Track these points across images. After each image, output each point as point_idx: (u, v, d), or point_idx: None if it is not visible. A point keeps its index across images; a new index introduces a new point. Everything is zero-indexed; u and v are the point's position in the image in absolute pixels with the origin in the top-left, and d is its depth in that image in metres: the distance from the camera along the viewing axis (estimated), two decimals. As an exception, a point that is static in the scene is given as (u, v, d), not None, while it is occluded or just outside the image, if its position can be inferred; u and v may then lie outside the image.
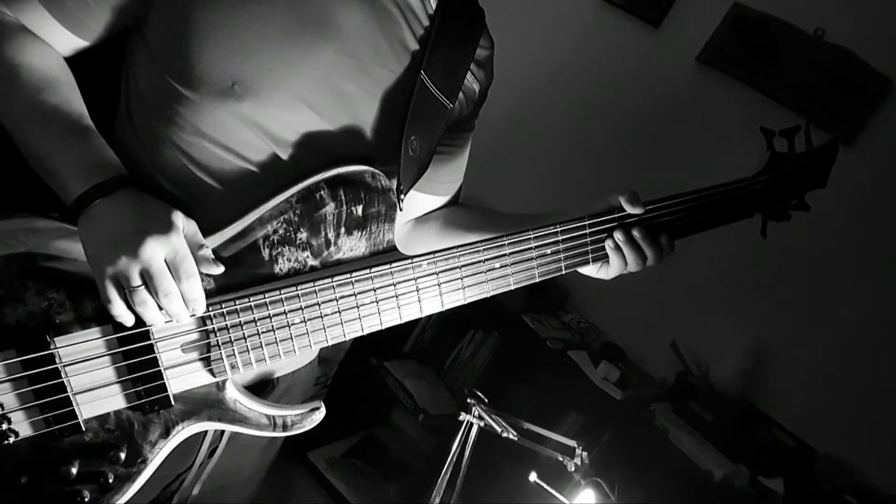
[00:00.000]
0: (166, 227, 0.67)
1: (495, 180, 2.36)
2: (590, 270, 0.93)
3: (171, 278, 0.67)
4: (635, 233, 0.89)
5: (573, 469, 1.52)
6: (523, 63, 2.49)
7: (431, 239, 1.04)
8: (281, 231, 0.78)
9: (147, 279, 0.66)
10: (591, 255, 0.90)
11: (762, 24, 2.05)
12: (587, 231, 0.89)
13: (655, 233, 0.90)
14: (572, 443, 1.56)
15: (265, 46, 0.74)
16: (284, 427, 0.84)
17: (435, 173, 0.98)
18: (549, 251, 0.87)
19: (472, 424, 1.57)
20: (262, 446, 1.03)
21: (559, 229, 0.87)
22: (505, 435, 1.54)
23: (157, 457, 0.77)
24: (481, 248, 0.84)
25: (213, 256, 0.72)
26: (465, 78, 0.92)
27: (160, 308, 0.68)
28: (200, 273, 0.70)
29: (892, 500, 1.90)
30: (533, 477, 1.48)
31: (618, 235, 0.88)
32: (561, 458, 1.53)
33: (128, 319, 0.68)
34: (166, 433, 0.77)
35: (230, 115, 0.76)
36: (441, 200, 1.06)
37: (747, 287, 2.15)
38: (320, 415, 0.86)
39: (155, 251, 0.65)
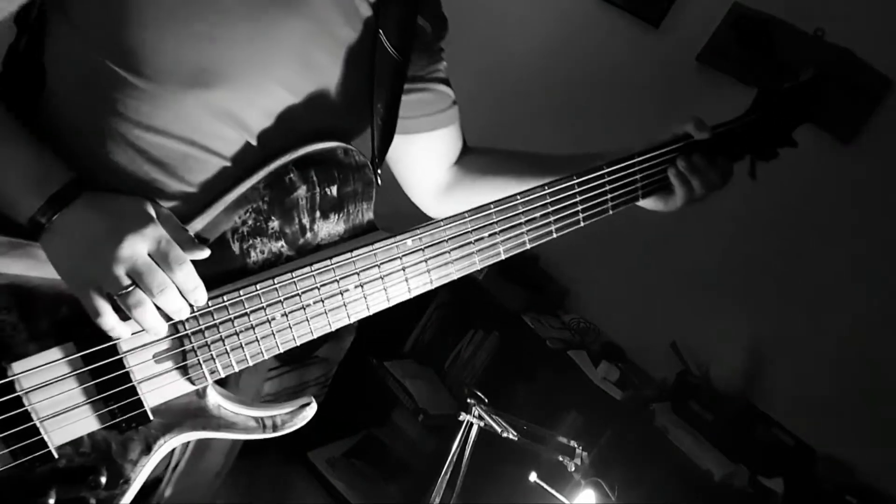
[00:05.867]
0: (141, 219, 0.62)
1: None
2: (652, 205, 0.95)
3: (161, 272, 0.62)
4: (696, 158, 0.91)
5: (573, 469, 1.52)
6: (522, 63, 2.49)
7: (466, 195, 1.01)
8: (250, 222, 0.72)
9: (136, 279, 0.61)
10: (640, 191, 0.91)
11: (762, 24, 2.05)
12: (636, 168, 0.89)
13: (711, 155, 0.93)
14: (572, 443, 1.56)
15: (233, 25, 0.68)
16: (275, 427, 0.79)
17: (421, 108, 0.94)
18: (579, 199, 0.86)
19: (472, 424, 1.57)
20: (230, 441, 0.98)
21: (577, 181, 0.85)
22: (505, 435, 1.54)
23: (141, 475, 0.73)
24: (467, 218, 0.78)
25: (194, 238, 0.67)
26: (416, 32, 0.87)
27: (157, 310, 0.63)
28: None
29: (892, 500, 1.90)
30: (533, 477, 1.48)
31: (680, 163, 0.91)
32: (561, 458, 1.53)
33: (123, 332, 0.64)
34: (148, 450, 0.72)
35: (196, 106, 0.69)
36: (442, 135, 1.00)
37: (747, 287, 2.15)
38: (311, 410, 0.81)
39: (136, 246, 0.61)
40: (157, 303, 0.63)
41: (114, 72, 0.67)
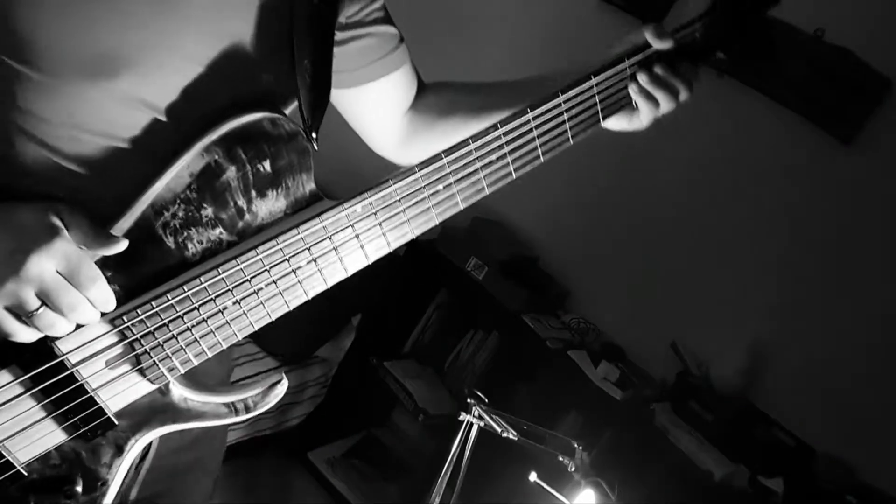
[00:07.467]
0: (45, 234, 0.59)
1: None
2: (616, 125, 0.87)
3: (72, 289, 0.60)
4: (658, 70, 0.82)
5: (573, 469, 1.52)
6: (519, 64, 2.48)
7: (429, 139, 0.97)
8: (181, 214, 0.67)
9: (45, 299, 0.59)
10: (601, 114, 0.83)
11: (762, 24, 2.04)
12: (594, 91, 0.81)
13: (673, 64, 0.83)
14: (572, 443, 1.55)
15: (134, 3, 0.63)
16: (247, 409, 0.77)
17: (367, 55, 0.88)
18: (531, 135, 0.80)
19: (472, 424, 1.57)
20: (207, 440, 0.94)
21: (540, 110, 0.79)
22: (505, 435, 1.54)
23: (118, 474, 0.72)
24: (418, 173, 0.73)
25: (109, 232, 0.63)
26: None
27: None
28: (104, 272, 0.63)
29: (893, 500, 1.90)
30: (533, 477, 1.48)
31: (641, 78, 0.82)
32: (561, 458, 1.53)
33: (33, 337, 0.62)
34: (119, 451, 0.71)
35: (102, 96, 0.65)
36: (396, 78, 0.94)
37: (747, 287, 2.15)
38: (283, 387, 0.78)
39: (42, 265, 0.58)
40: (68, 319, 0.62)
41: (7, 64, 0.63)
